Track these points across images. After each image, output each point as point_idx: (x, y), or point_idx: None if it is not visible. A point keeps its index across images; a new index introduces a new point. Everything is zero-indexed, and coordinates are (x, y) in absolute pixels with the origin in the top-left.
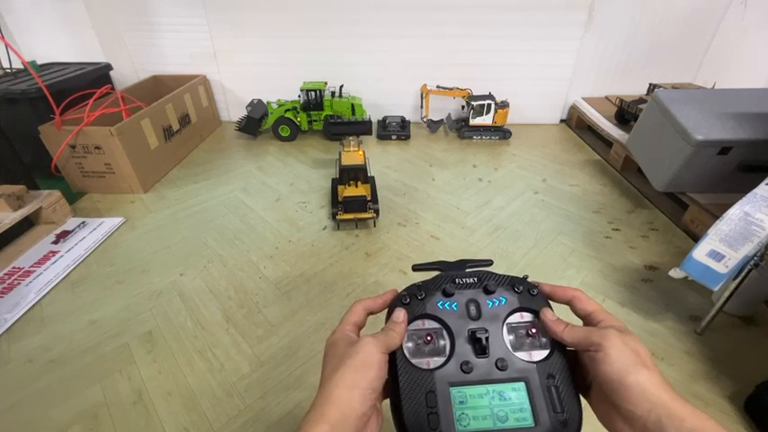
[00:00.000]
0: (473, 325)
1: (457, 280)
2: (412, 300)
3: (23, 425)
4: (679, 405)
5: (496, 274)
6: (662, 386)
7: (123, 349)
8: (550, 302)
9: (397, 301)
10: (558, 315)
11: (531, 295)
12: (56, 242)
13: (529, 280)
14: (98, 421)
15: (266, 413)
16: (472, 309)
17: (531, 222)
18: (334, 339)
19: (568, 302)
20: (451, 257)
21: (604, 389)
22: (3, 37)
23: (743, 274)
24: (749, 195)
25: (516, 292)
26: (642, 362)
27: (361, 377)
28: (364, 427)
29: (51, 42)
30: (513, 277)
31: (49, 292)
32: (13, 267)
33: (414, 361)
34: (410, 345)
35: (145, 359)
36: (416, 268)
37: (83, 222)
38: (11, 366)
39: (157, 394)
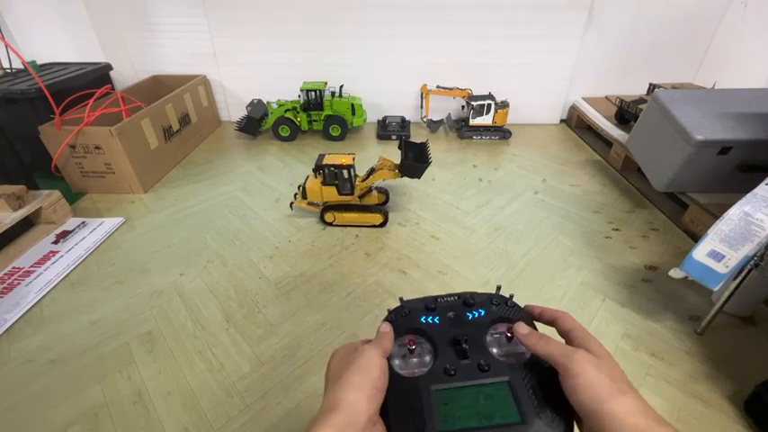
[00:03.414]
0: (455, 332)
1: (438, 299)
2: (397, 318)
3: (23, 425)
4: (659, 430)
5: (476, 292)
6: (639, 412)
7: (123, 349)
8: (536, 322)
9: (384, 319)
10: (538, 329)
11: (508, 307)
12: (56, 242)
13: (522, 305)
14: (98, 421)
15: (266, 413)
16: (454, 320)
17: (531, 222)
18: (336, 350)
19: (553, 322)
20: (451, 257)
21: (582, 416)
22: (3, 37)
23: (743, 274)
24: (749, 195)
25: (494, 305)
26: (618, 388)
27: (365, 378)
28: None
29: (51, 42)
30: (491, 294)
31: (49, 292)
32: (13, 267)
33: (401, 373)
34: (397, 362)
35: (145, 359)
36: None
37: (83, 222)
38: (11, 366)
39: (157, 394)
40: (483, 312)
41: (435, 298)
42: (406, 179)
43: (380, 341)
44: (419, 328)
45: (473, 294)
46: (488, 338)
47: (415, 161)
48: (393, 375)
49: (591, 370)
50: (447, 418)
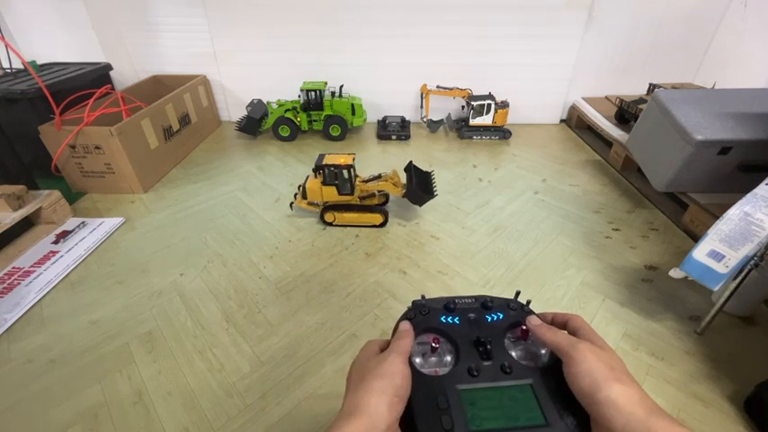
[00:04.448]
0: (476, 333)
1: (457, 300)
2: (417, 315)
3: (23, 425)
4: (656, 420)
5: (492, 296)
6: (638, 401)
7: (123, 349)
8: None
9: (403, 316)
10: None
11: (524, 312)
12: (56, 242)
13: (536, 312)
14: (98, 421)
15: (266, 413)
16: (474, 322)
17: (531, 222)
18: (357, 359)
19: (565, 324)
20: (451, 257)
21: (582, 404)
22: (3, 37)
23: (743, 274)
24: (749, 195)
25: (512, 309)
26: (616, 377)
27: (387, 384)
28: None
29: (51, 42)
30: (508, 299)
31: (49, 292)
32: (13, 267)
33: (423, 371)
34: (418, 360)
35: (145, 359)
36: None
37: (83, 222)
38: (11, 366)
39: (157, 394)
40: (501, 316)
41: (454, 299)
42: None
43: (401, 341)
44: (439, 327)
45: (491, 298)
46: (506, 342)
47: (420, 189)
48: (414, 373)
49: (592, 358)
50: (474, 419)
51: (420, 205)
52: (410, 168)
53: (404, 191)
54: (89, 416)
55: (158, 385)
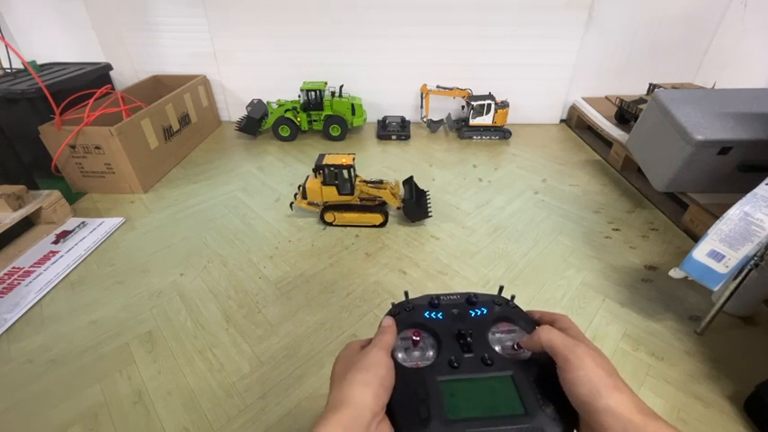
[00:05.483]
0: (459, 327)
1: (442, 297)
2: (401, 312)
3: (23, 425)
4: (653, 425)
5: (477, 293)
6: (635, 407)
7: (123, 349)
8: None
9: (387, 313)
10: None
11: (509, 308)
12: (56, 242)
13: (523, 307)
14: (98, 421)
15: (266, 413)
16: (457, 317)
17: (531, 222)
18: (339, 356)
19: (552, 324)
20: (451, 257)
21: (577, 409)
22: (3, 37)
23: (743, 274)
24: (749, 195)
25: (497, 305)
26: (614, 384)
27: (372, 375)
28: (376, 429)
29: (51, 42)
30: (493, 295)
31: (49, 292)
32: (13, 267)
33: (405, 365)
34: (400, 355)
35: (145, 359)
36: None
37: (83, 222)
38: (11, 366)
39: (157, 394)
40: (485, 311)
41: (438, 296)
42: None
43: (383, 336)
44: (422, 322)
45: (476, 294)
46: (490, 336)
47: (417, 205)
48: (396, 367)
49: (591, 364)
50: (453, 408)
51: (413, 221)
52: (411, 183)
53: (401, 203)
54: (89, 416)
55: (158, 385)
